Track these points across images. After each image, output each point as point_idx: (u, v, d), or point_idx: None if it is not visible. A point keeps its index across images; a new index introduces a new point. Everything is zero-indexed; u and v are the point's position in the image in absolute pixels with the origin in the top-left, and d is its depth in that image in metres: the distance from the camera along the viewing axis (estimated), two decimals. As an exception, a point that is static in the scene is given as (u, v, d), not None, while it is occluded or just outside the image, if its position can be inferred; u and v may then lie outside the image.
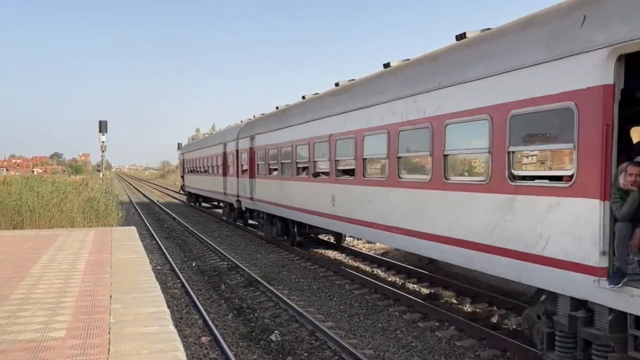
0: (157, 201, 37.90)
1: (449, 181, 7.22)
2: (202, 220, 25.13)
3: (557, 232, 5.42)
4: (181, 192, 38.43)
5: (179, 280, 11.38)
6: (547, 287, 5.68)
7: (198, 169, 28.79)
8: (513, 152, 6.07)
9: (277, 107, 17.23)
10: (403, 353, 7.13)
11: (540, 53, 5.67)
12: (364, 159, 9.92)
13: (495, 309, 9.02)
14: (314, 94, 14.19)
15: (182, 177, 36.14)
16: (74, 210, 16.35)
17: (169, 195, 47.17)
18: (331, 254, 15.06)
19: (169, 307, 8.73)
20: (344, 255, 14.79)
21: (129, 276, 6.59)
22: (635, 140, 6.52)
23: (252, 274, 11.59)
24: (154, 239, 17.85)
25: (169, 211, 28.95)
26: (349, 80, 11.99)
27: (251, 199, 17.70)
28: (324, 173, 12.23)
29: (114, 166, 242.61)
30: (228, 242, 17.40)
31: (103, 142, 26.63)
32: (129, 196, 41.83)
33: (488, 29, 7.44)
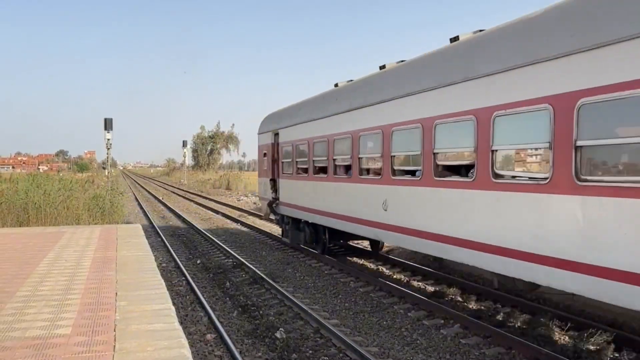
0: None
1: None
2: (207, 218, 25.17)
3: None
4: (270, 217, 17.48)
5: (184, 278, 11.41)
6: None
7: (364, 165, 10.51)
8: None
9: None
10: (408, 351, 7.12)
11: None
12: None
13: (500, 306, 9.00)
14: None
15: (273, 182, 16.13)
16: (79, 208, 16.44)
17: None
18: (336, 252, 15.05)
19: (174, 304, 8.76)
20: (348, 253, 14.77)
21: (135, 273, 6.60)
22: None
23: (257, 271, 11.60)
24: (159, 236, 17.90)
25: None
26: None
27: None
28: None
29: (119, 164, 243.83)
30: (232, 240, 17.42)
31: (108, 139, 26.71)
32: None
33: None
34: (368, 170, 10.38)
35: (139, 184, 71.50)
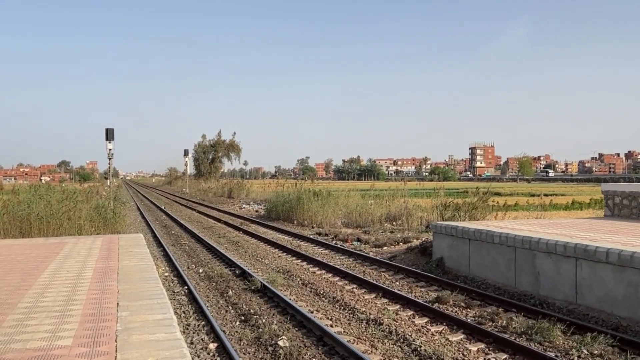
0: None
1: None
2: (210, 226, 25.16)
3: None
4: None
5: (186, 287, 11.39)
6: None
7: None
8: None
9: None
10: (413, 358, 7.08)
11: None
12: None
13: (502, 311, 8.96)
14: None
15: None
16: (82, 218, 16.44)
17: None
18: (338, 258, 15.04)
19: (176, 313, 8.73)
20: (351, 259, 14.76)
21: (136, 283, 6.59)
22: None
23: (259, 279, 11.57)
24: (161, 245, 17.88)
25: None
26: None
27: None
28: None
29: (121, 173, 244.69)
30: (235, 248, 17.41)
31: (110, 149, 26.76)
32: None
33: None
34: None
35: (140, 193, 71.56)
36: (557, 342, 7.37)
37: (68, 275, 7.18)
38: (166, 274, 12.83)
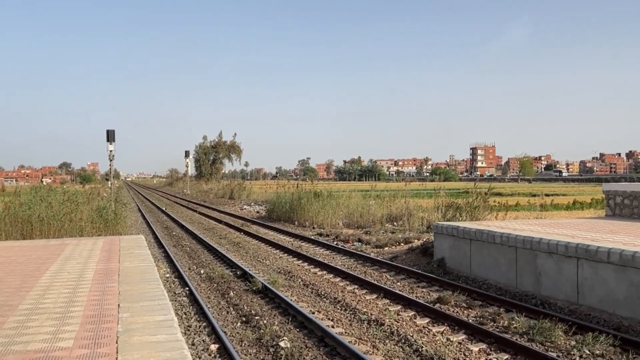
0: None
1: None
2: (211, 227, 25.16)
3: None
4: None
5: (187, 288, 11.39)
6: None
7: None
8: None
9: None
10: (414, 358, 7.07)
11: None
12: None
13: (503, 311, 8.95)
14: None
15: None
16: (83, 220, 16.45)
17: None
18: (339, 259, 15.03)
19: (177, 315, 8.73)
20: (352, 260, 14.75)
21: (137, 285, 6.59)
22: None
23: (261, 280, 11.57)
24: (162, 246, 17.89)
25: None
26: None
27: None
28: None
29: (122, 174, 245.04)
30: (236, 249, 17.41)
31: (111, 151, 26.79)
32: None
33: None
34: None
35: (142, 195, 71.58)
36: (559, 342, 7.36)
37: (69, 277, 7.18)
38: (167, 275, 12.83)
